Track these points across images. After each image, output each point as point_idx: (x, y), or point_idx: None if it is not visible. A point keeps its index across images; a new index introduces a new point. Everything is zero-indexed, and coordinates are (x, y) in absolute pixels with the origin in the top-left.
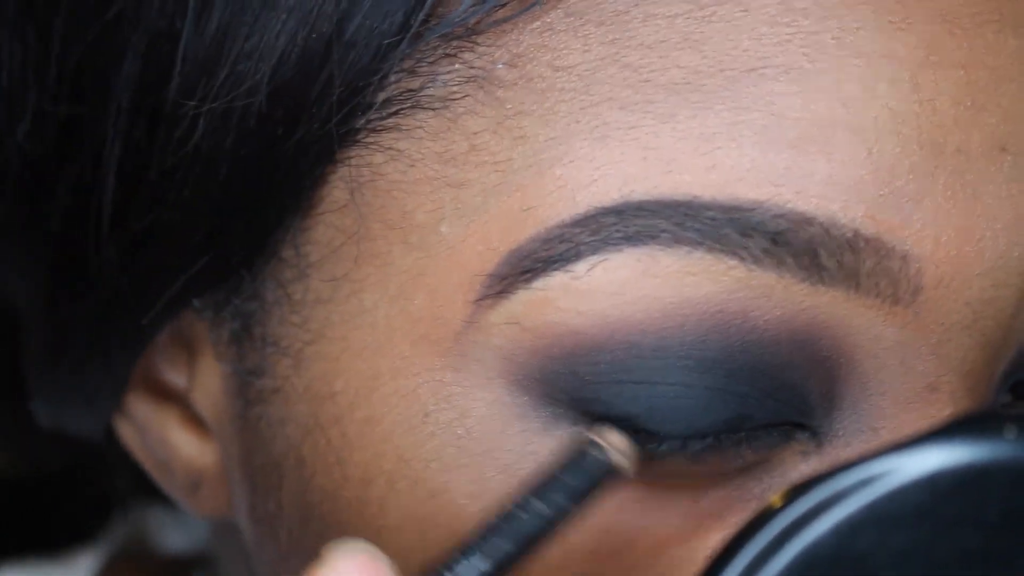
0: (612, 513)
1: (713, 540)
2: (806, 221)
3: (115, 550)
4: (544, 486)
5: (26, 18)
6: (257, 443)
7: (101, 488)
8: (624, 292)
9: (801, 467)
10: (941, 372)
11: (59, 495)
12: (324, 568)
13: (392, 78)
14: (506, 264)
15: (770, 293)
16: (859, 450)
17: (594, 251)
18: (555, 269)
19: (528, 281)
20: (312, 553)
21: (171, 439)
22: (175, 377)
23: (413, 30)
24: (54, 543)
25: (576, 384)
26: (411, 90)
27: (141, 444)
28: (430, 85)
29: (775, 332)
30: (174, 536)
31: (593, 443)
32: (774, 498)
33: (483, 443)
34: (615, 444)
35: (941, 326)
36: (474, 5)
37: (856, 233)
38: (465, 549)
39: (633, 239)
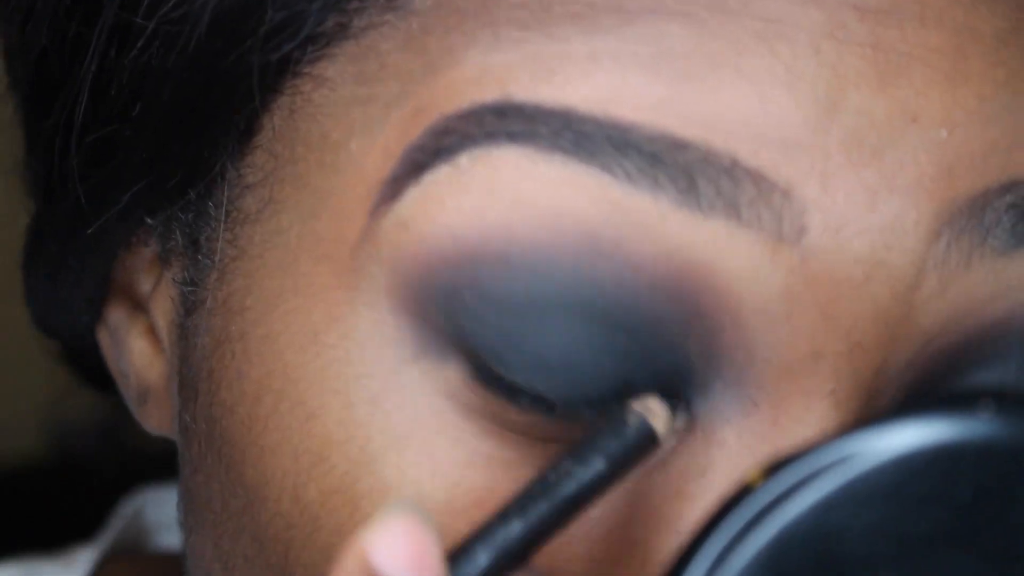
0: (474, 470)
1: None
2: (683, 146)
3: (112, 547)
4: (582, 451)
5: None
6: (186, 353)
7: (98, 484)
8: (502, 191)
9: (674, 444)
10: (827, 337)
11: (56, 492)
12: (368, 534)
13: (324, 14)
14: (400, 165)
15: (646, 221)
16: (737, 427)
17: (476, 144)
18: (441, 162)
19: (417, 177)
20: (212, 469)
21: (131, 347)
22: (145, 284)
23: None
24: (52, 539)
25: (453, 307)
26: (341, 24)
27: (110, 352)
28: (356, 18)
29: (651, 271)
30: (171, 533)
31: (633, 409)
32: (751, 476)
33: (358, 367)
34: (655, 411)
35: (829, 281)
36: None
37: (735, 162)
38: (503, 513)
39: (514, 137)
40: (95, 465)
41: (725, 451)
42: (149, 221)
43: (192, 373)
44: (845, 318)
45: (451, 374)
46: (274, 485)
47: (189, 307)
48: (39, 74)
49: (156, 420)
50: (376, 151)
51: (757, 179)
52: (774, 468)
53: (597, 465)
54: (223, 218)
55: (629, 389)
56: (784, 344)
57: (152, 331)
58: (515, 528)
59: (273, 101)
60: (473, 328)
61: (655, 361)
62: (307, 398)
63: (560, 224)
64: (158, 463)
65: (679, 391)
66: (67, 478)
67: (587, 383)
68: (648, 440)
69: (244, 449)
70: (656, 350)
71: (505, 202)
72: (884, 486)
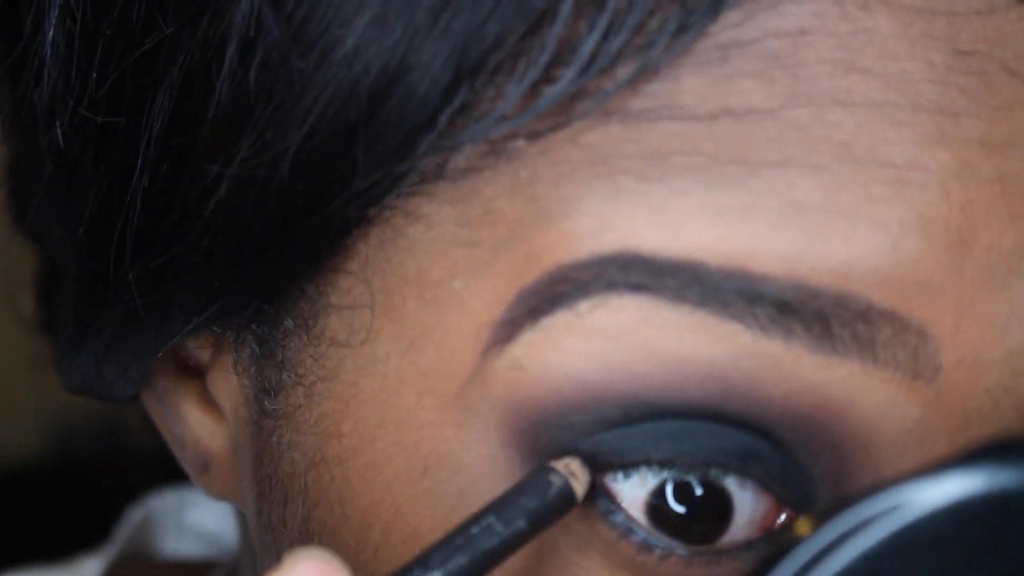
0: None
1: None
2: (816, 295)
3: (119, 555)
4: (505, 507)
5: (73, 17)
6: (266, 455)
7: (99, 485)
8: (624, 337)
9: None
10: None
11: (57, 492)
12: (281, 571)
13: (417, 158)
14: (514, 308)
15: (778, 365)
16: None
17: (597, 292)
18: (559, 307)
19: (534, 321)
20: None
21: (186, 414)
22: (199, 353)
23: (440, 127)
24: (52, 541)
25: (568, 437)
26: (437, 163)
27: (160, 414)
28: (453, 159)
29: (780, 409)
30: (179, 543)
31: (554, 470)
32: (799, 526)
33: (472, 503)
34: (577, 474)
35: (961, 412)
36: (505, 117)
37: (869, 305)
38: (421, 562)
39: (636, 287)
40: (95, 466)
41: None
42: (217, 331)
43: (277, 478)
44: (973, 443)
45: None
46: None
47: (267, 413)
48: (65, 153)
49: (219, 488)
50: (484, 292)
51: (892, 320)
52: (823, 517)
53: (519, 523)
54: (305, 334)
55: (756, 461)
56: (912, 470)
57: (207, 400)
58: None
59: (361, 228)
60: (587, 444)
61: (776, 464)
62: (421, 532)
63: (686, 368)
64: (158, 464)
65: (805, 500)
66: (67, 479)
67: (709, 446)
68: (567, 502)
69: (352, 570)
70: (781, 463)
71: (628, 348)
72: (933, 536)
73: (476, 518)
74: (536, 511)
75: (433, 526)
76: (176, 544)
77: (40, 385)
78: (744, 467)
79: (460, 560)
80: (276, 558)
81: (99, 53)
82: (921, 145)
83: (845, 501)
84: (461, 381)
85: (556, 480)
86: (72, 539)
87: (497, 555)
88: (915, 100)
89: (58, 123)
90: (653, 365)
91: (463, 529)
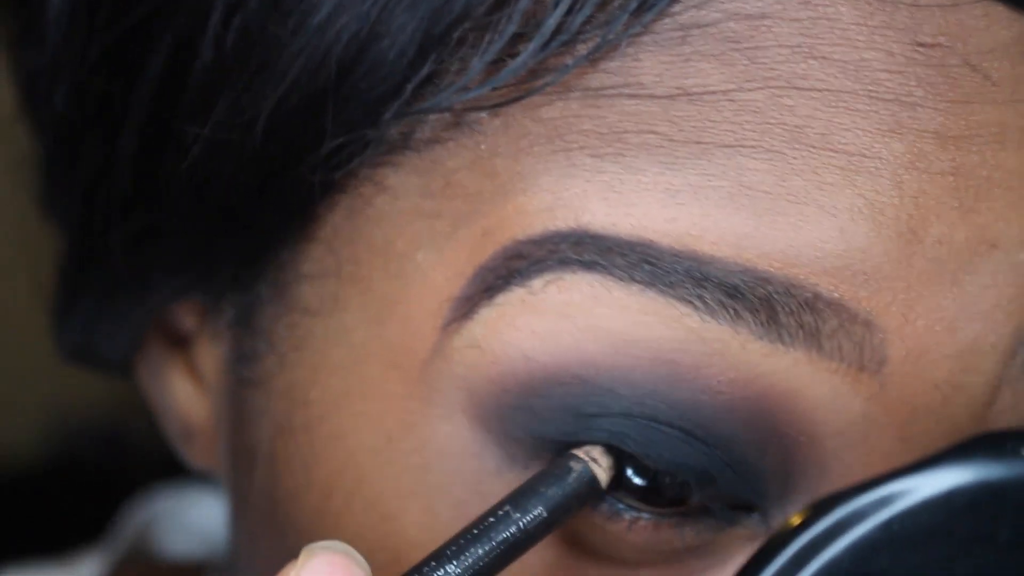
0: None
1: None
2: (764, 280)
3: (119, 553)
4: (522, 495)
5: None
6: (240, 423)
7: (100, 485)
8: (575, 315)
9: (747, 550)
10: (903, 457)
11: (58, 493)
12: (297, 567)
13: (385, 126)
14: (471, 284)
15: (725, 350)
16: None
17: (549, 269)
18: (514, 284)
19: (490, 297)
20: (272, 542)
21: (172, 384)
22: (186, 322)
23: (406, 95)
24: (53, 541)
25: (532, 421)
26: (403, 133)
27: (149, 383)
28: (418, 129)
29: (728, 397)
30: (178, 541)
31: (574, 456)
32: (793, 517)
33: (438, 476)
34: (598, 460)
35: (907, 406)
36: (467, 88)
37: (816, 295)
38: (439, 556)
39: (588, 265)
40: (96, 466)
41: None
42: (199, 297)
43: (248, 446)
44: (921, 438)
45: None
46: None
47: (243, 380)
48: (64, 121)
49: (202, 458)
50: (445, 266)
51: (838, 310)
52: (816, 508)
53: (536, 510)
54: (278, 302)
55: (709, 479)
56: (859, 463)
57: (193, 369)
58: (449, 570)
59: (331, 197)
60: (547, 429)
61: (733, 469)
62: (384, 500)
63: (636, 349)
64: (159, 464)
65: (756, 502)
66: (68, 479)
67: (668, 454)
68: (590, 488)
69: (313, 537)
70: (734, 463)
71: (579, 326)
72: (925, 526)
73: (493, 508)
74: (554, 497)
75: (395, 496)
76: (176, 543)
77: (41, 385)
78: (698, 484)
79: (476, 551)
80: (246, 528)
81: (98, 21)
82: (875, 133)
83: (838, 493)
84: (423, 356)
85: (575, 466)
86: (72, 539)
87: (516, 545)
88: (872, 89)
89: (58, 91)
90: (603, 346)
91: (479, 520)
